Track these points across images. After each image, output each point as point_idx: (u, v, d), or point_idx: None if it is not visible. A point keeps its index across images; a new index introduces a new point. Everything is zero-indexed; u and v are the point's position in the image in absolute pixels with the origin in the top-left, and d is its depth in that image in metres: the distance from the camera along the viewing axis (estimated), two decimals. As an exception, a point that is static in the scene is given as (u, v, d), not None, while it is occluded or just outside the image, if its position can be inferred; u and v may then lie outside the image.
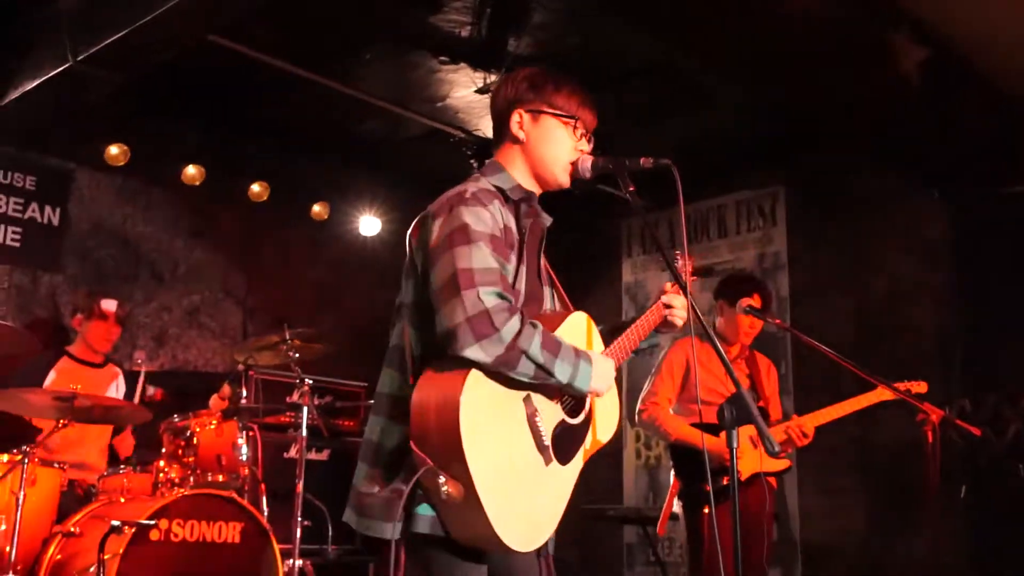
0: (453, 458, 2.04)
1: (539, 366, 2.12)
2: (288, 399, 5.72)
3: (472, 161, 6.48)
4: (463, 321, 2.05)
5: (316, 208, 7.23)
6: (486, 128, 6.58)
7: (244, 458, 4.54)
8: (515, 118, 2.41)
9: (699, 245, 7.55)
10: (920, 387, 4.25)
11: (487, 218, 2.18)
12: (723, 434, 2.18)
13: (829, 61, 4.78)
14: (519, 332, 2.08)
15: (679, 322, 2.60)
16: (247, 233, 7.08)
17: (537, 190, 2.46)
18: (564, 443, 2.29)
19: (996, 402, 5.86)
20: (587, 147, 2.45)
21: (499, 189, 2.33)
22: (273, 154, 6.88)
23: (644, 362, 6.18)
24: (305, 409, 4.77)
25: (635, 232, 7.93)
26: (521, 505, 2.14)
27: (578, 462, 2.34)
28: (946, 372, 5.93)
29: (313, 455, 5.86)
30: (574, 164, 2.42)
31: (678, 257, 2.64)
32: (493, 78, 5.76)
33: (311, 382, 4.87)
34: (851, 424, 5.57)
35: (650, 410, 4.44)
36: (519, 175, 2.41)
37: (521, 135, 2.41)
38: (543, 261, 2.43)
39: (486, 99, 6.09)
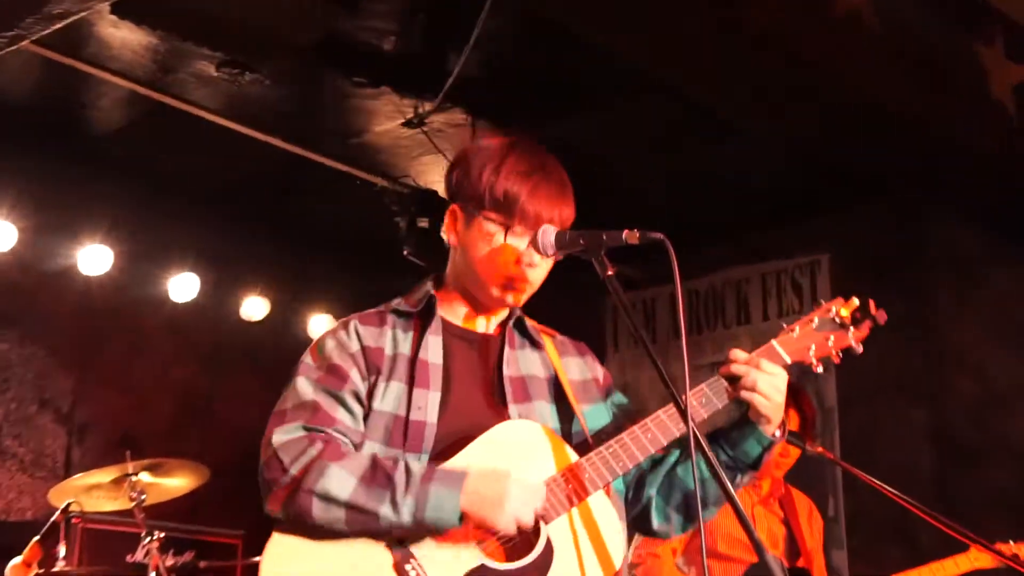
0: None
1: (350, 506, 2.26)
2: (130, 558, 5.59)
3: (398, 220, 6.48)
4: (260, 470, 2.36)
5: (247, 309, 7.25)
6: (417, 173, 6.60)
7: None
8: (448, 216, 2.59)
9: (711, 334, 7.53)
10: (1034, 549, 4.23)
11: (330, 347, 2.51)
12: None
13: (891, 85, 4.84)
14: (311, 463, 2.30)
15: (763, 404, 2.46)
16: (79, 318, 7.00)
17: (487, 306, 2.61)
18: None
19: None
20: (539, 260, 2.52)
21: (398, 311, 2.60)
22: (119, 208, 6.84)
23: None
24: (153, 574, 4.65)
25: (624, 318, 7.93)
26: None
27: None
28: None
29: (164, 639, 5.70)
30: (527, 265, 2.50)
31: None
32: (427, 107, 5.79)
33: (163, 534, 4.75)
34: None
35: (647, 564, 4.40)
36: (456, 287, 2.62)
37: (452, 238, 2.61)
38: (518, 376, 2.57)
39: (417, 135, 6.11)
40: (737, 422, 2.52)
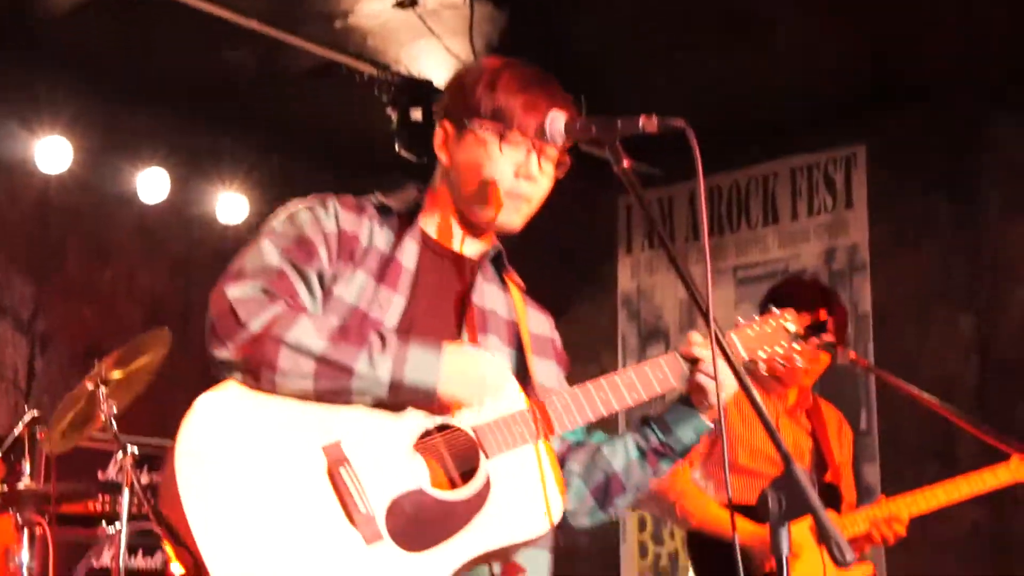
0: (179, 523, 2.22)
1: (320, 359, 2.33)
2: (101, 475, 5.65)
3: (389, 109, 6.46)
4: (207, 325, 2.41)
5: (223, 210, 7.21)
6: (409, 60, 6.57)
7: (25, 571, 4.47)
8: (438, 134, 2.68)
9: (735, 236, 7.62)
10: (1082, 459, 4.35)
11: (304, 218, 2.57)
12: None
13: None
14: (275, 318, 2.36)
15: (712, 391, 2.60)
16: (38, 219, 7.02)
17: (476, 229, 2.68)
18: (418, 520, 2.38)
19: None
20: (538, 173, 2.60)
21: (381, 205, 2.68)
22: (78, 98, 6.83)
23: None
24: (127, 492, 4.71)
25: (639, 217, 7.98)
26: None
27: (449, 556, 2.38)
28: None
29: (140, 561, 5.78)
30: (525, 178, 2.58)
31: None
32: (421, -18, 5.76)
33: (136, 449, 4.79)
34: (974, 507, 5.57)
35: (662, 479, 4.46)
36: (445, 205, 2.68)
37: (443, 157, 2.68)
38: (482, 307, 2.66)
39: (409, 18, 6.08)
40: (674, 407, 2.66)
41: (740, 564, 2.31)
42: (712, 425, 2.66)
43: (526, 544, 2.46)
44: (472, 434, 2.45)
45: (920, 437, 6.46)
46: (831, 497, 4.53)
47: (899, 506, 4.40)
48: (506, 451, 2.46)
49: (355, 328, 2.41)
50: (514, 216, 2.63)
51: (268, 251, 2.50)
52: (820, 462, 4.62)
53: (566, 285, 7.84)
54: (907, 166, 7.00)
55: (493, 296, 2.70)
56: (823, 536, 2.09)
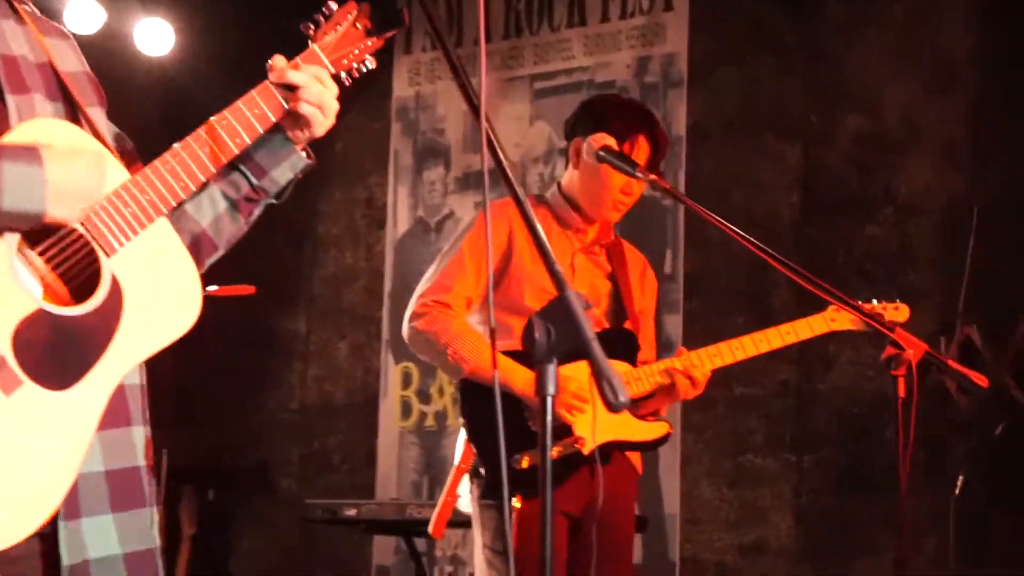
0: None
1: None
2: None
3: None
4: None
5: None
6: None
7: None
8: None
9: (535, 39, 7.59)
10: (898, 312, 4.46)
11: None
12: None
13: None
14: None
15: (320, 122, 2.61)
16: None
17: None
18: (55, 350, 2.29)
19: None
20: None
21: None
22: None
23: (424, 247, 6.13)
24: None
25: (420, 14, 7.85)
26: None
27: (103, 380, 2.34)
28: (949, 280, 6.16)
29: None
30: None
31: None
32: None
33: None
34: (778, 364, 5.78)
35: (432, 315, 4.49)
36: None
37: None
38: (10, 56, 2.46)
39: None
40: (266, 145, 2.61)
41: (500, 410, 2.23)
42: (309, 160, 2.66)
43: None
44: (82, 229, 2.32)
45: (729, 283, 6.60)
46: (627, 348, 4.57)
47: (701, 357, 4.46)
48: (126, 242, 2.36)
49: None
50: None
51: None
52: (618, 308, 4.68)
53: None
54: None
55: (15, 37, 2.48)
56: (596, 373, 2.09)
